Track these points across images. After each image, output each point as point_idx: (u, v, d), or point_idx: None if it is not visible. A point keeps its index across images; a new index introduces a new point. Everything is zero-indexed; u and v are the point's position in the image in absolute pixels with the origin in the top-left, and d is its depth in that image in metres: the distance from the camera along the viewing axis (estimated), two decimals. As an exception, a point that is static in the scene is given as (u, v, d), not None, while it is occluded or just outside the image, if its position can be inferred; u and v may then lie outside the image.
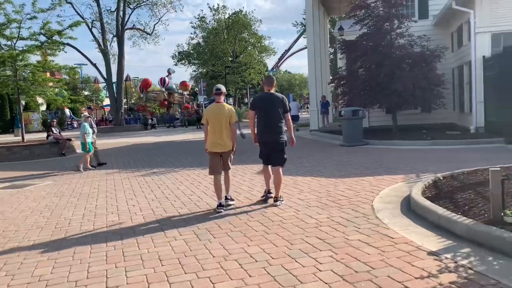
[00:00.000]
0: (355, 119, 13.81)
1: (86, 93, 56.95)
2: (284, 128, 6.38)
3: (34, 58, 18.84)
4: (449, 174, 7.16)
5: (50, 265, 4.32)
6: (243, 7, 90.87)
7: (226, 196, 6.47)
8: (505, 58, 11.65)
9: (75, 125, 42.31)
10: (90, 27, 35.41)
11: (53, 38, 17.64)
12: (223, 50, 49.38)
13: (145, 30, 39.71)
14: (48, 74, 25.18)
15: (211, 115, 6.30)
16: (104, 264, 4.26)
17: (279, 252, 4.24)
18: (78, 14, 35.91)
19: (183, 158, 13.18)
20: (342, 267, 3.75)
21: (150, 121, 38.27)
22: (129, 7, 37.43)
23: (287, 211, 5.84)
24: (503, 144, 11.49)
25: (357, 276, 3.55)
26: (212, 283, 3.60)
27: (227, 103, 6.65)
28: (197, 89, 47.00)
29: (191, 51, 53.79)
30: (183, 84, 44.48)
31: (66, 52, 26.87)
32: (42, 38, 17.52)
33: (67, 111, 44.90)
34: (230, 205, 6.35)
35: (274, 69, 65.99)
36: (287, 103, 6.40)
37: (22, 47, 17.32)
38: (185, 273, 3.86)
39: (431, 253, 3.94)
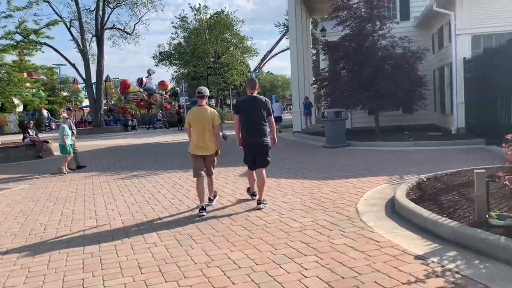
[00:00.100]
0: (338, 120, 13.80)
1: (64, 94, 55.86)
2: (268, 130, 6.36)
3: (9, 58, 18.37)
4: (432, 175, 7.16)
5: (23, 275, 4.11)
6: (225, 7, 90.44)
7: (209, 197, 6.55)
8: (485, 59, 11.77)
9: (53, 127, 41.44)
10: (69, 27, 34.82)
11: (30, 37, 17.25)
12: (205, 51, 49.06)
13: (125, 30, 39.20)
14: (25, 75, 24.57)
15: (194, 118, 6.23)
16: (81, 273, 4.07)
17: (263, 257, 4.12)
18: (56, 13, 35.33)
19: (164, 161, 12.96)
20: (328, 273, 3.65)
21: (130, 122, 37.72)
22: (109, 7, 36.91)
23: (270, 214, 5.72)
24: (484, 145, 11.61)
25: (344, 282, 3.45)
26: (194, 292, 3.46)
27: (209, 104, 6.54)
28: (177, 89, 46.47)
29: (172, 52, 53.27)
30: (161, 84, 43.78)
31: (43, 52, 26.41)
32: (18, 37, 17.12)
33: (45, 112, 43.95)
34: (211, 204, 6.39)
35: (257, 70, 65.87)
36: (270, 105, 6.42)
37: (-3, 47, 16.86)
38: (166, 282, 3.71)
39: (417, 257, 3.87)
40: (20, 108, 41.42)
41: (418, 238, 4.40)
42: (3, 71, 16.91)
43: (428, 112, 17.39)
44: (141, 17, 41.12)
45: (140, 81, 43.24)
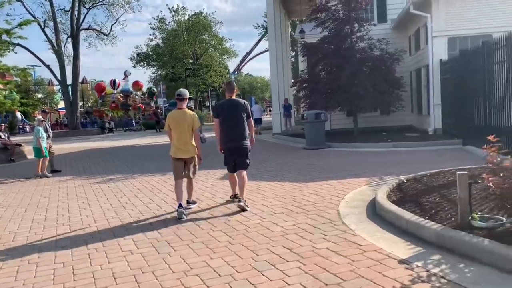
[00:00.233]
0: (318, 122, 13.78)
1: (39, 95, 54.54)
2: (248, 133, 6.39)
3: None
4: (412, 176, 7.15)
5: (-11, 288, 3.87)
6: (203, 9, 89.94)
7: (188, 200, 6.42)
8: (461, 61, 11.93)
9: (28, 129, 40.38)
10: (43, 27, 33.93)
11: (1, 37, 16.64)
12: (183, 52, 48.59)
13: (101, 30, 38.41)
14: (-4, 76, 23.79)
15: (174, 121, 6.18)
16: (51, 284, 3.85)
17: (244, 264, 3.98)
18: (30, 13, 34.41)
19: (141, 164, 12.68)
20: (311, 280, 3.53)
21: (107, 124, 37.01)
22: (85, 7, 36.09)
23: (251, 218, 5.59)
24: (461, 146, 11.76)
25: (328, 289, 3.35)
26: (172, 303, 3.30)
27: (188, 106, 6.42)
28: (154, 89, 45.88)
29: (150, 53, 52.62)
30: (136, 84, 43.06)
31: (16, 53, 25.57)
32: (-11, 37, 16.51)
33: (19, 115, 42.74)
34: (190, 207, 6.27)
35: (236, 72, 65.76)
36: (249, 108, 6.48)
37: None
38: (142, 292, 3.54)
39: (401, 261, 3.80)
40: (-9, 111, 40.18)
41: (401, 241, 4.34)
42: (-28, 72, 16.33)
43: (405, 113, 17.57)
44: (118, 18, 40.40)
45: (113, 83, 42.50)
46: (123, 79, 43.21)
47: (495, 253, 3.54)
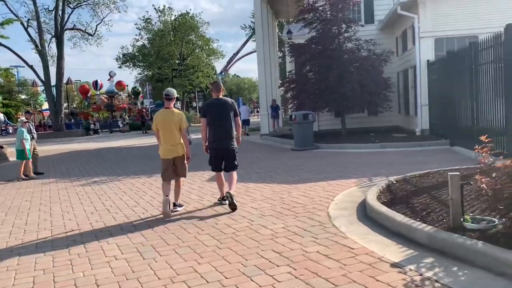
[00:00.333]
0: (306, 123, 13.71)
1: (23, 96, 53.68)
2: (235, 133, 6.36)
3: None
4: (401, 177, 7.10)
5: (-36, 297, 3.68)
6: (190, 9, 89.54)
7: (174, 203, 6.30)
8: (448, 62, 11.97)
9: (11, 131, 39.62)
10: (26, 26, 33.38)
11: (-18, 36, 16.23)
12: (170, 53, 48.27)
13: (86, 30, 37.89)
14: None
15: (161, 121, 6.14)
16: (30, 293, 3.67)
17: (232, 270, 3.85)
18: (12, 12, 33.83)
19: (127, 166, 12.45)
20: (302, 285, 3.42)
21: (92, 126, 36.51)
22: (69, 6, 35.62)
23: (240, 221, 5.46)
24: (448, 146, 11.79)
25: (319, 295, 3.24)
26: (157, 312, 3.15)
27: (175, 107, 6.32)
28: (138, 88, 45.43)
29: (136, 53, 52.15)
30: (118, 84, 42.53)
31: (-2, 53, 25.02)
32: (-31, 37, 16.07)
33: (1, 116, 41.88)
34: (177, 210, 6.16)
35: (223, 73, 65.58)
36: (236, 106, 6.46)
37: None
38: (126, 301, 3.38)
39: (394, 265, 3.71)
40: (-28, 112, 39.36)
41: (393, 244, 4.25)
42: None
43: (393, 114, 17.62)
44: (103, 18, 39.77)
45: (95, 84, 42.00)
46: (108, 80, 42.70)
47: (489, 255, 3.47)
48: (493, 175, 3.97)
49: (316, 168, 9.53)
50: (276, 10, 25.21)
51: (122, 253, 4.53)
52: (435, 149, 11.70)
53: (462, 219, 4.19)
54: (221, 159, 6.33)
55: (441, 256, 3.80)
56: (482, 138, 4.17)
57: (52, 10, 34.91)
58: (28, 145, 10.95)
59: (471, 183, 4.21)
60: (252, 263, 3.98)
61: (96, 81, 42.07)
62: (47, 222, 6.22)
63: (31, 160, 11.19)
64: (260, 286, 3.46)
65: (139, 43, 51.53)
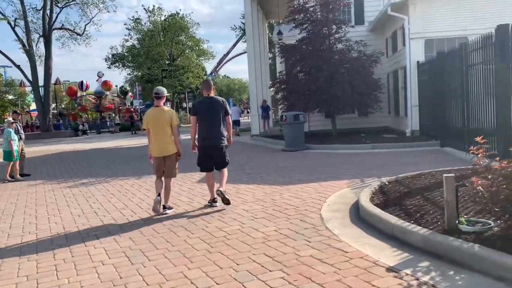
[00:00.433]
0: (297, 123, 13.64)
1: (10, 97, 52.86)
2: (225, 132, 6.28)
3: None
4: (393, 178, 7.04)
5: None
6: (180, 10, 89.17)
7: (164, 205, 6.17)
8: (438, 63, 11.98)
9: (-3, 132, 38.99)
10: (13, 26, 32.89)
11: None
12: (159, 53, 47.87)
13: (75, 30, 37.44)
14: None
15: (152, 119, 6.09)
16: (12, 301, 3.52)
17: (224, 275, 3.73)
18: (-2, 11, 33.19)
19: (116, 167, 12.25)
20: (295, 291, 3.32)
21: (81, 126, 36.07)
22: (57, 6, 35.16)
23: (231, 224, 5.34)
24: (439, 147, 11.79)
25: (314, 301, 3.13)
26: (146, 320, 3.02)
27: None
28: (126, 87, 44.99)
29: (126, 54, 51.66)
30: (104, 84, 42.09)
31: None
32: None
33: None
34: (167, 213, 6.06)
35: (213, 74, 65.29)
36: (227, 105, 6.38)
37: None
38: (113, 308, 3.25)
39: (389, 269, 3.62)
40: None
41: (388, 247, 4.17)
42: None
43: (383, 115, 17.64)
44: (92, 17, 39.31)
45: (80, 85, 41.52)
46: (97, 80, 42.22)
47: (486, 259, 3.40)
48: (489, 177, 3.91)
49: (307, 169, 9.45)
50: (266, 11, 25.14)
51: (109, 258, 4.39)
52: (425, 150, 11.69)
53: (457, 222, 4.12)
54: (211, 157, 6.23)
55: (437, 260, 3.73)
56: (478, 139, 4.10)
57: (40, 10, 34.46)
58: (16, 146, 10.72)
59: (466, 184, 4.15)
60: (244, 268, 3.87)
61: (82, 82, 41.55)
62: (32, 225, 6.04)
63: (18, 161, 10.96)
64: (253, 292, 3.35)
65: (129, 44, 51.08)
